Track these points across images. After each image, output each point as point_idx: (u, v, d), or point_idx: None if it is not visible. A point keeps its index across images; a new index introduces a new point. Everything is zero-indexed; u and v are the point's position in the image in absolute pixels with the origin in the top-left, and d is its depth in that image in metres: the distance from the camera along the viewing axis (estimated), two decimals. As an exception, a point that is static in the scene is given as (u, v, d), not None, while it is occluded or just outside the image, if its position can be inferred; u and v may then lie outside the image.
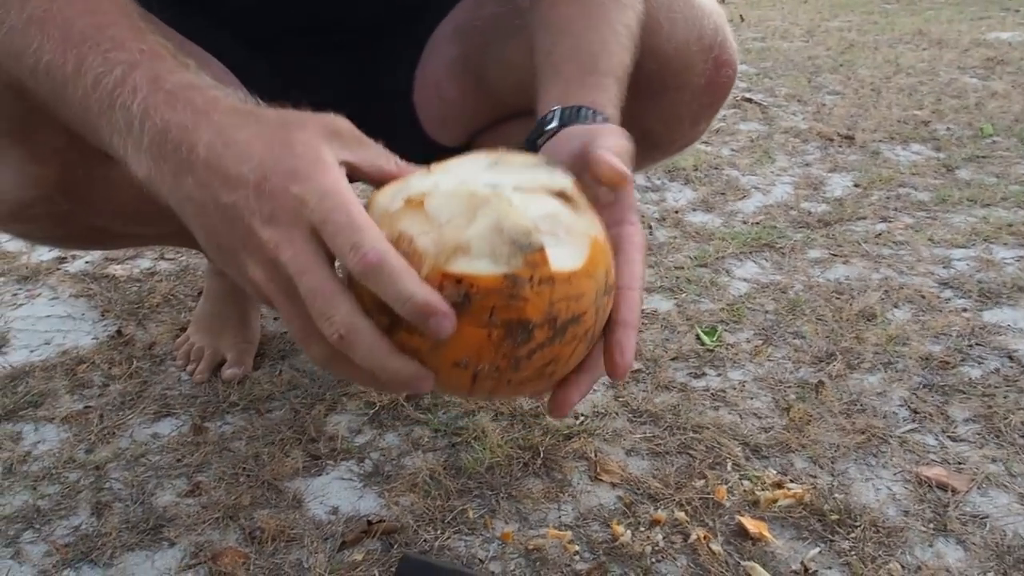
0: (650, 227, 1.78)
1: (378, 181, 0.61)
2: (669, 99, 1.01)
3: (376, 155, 0.61)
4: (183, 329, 1.44)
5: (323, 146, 0.57)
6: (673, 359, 1.32)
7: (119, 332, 1.45)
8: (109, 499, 1.08)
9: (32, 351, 1.43)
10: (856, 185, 2.01)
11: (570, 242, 0.57)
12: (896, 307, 1.45)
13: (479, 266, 0.54)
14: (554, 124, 0.73)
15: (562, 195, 0.60)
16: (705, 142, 2.31)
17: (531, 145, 0.74)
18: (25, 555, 1.01)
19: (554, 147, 0.71)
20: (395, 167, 0.61)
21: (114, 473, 1.12)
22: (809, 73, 3.10)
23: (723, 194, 1.96)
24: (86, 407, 1.26)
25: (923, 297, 1.47)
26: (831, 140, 2.32)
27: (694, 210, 1.88)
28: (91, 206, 0.99)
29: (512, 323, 0.55)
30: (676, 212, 1.85)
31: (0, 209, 0.96)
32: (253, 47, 1.09)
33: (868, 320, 1.40)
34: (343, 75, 1.14)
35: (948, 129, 2.44)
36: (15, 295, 1.62)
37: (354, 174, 0.59)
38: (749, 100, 2.69)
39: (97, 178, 0.95)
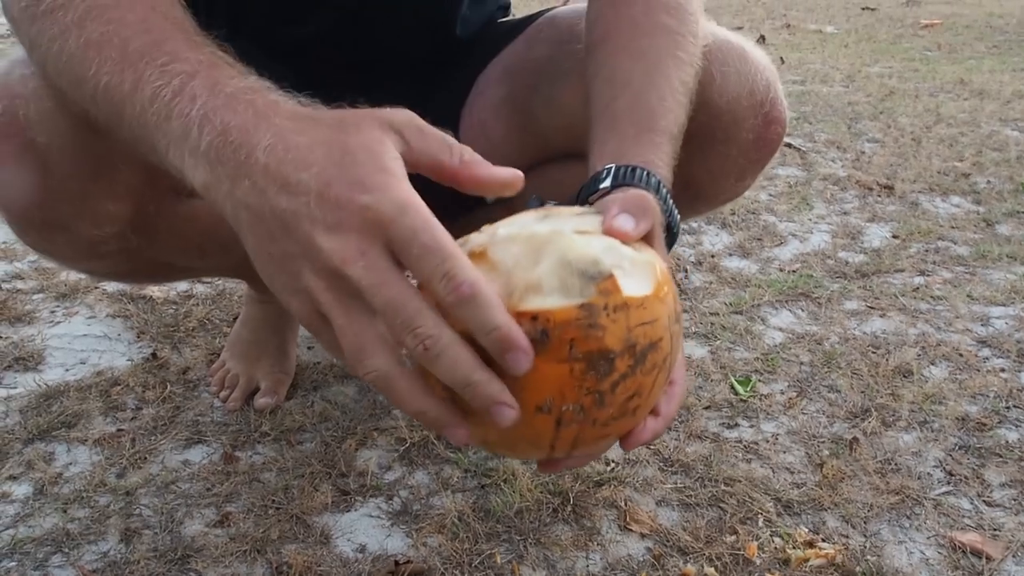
0: (686, 271, 1.77)
1: (436, 176, 0.60)
2: (717, 152, 1.00)
3: (438, 148, 0.59)
4: (217, 354, 1.44)
5: (384, 149, 0.57)
6: (706, 408, 1.30)
7: (154, 355, 1.46)
8: (138, 526, 1.08)
9: (67, 370, 1.44)
10: (894, 236, 1.99)
11: (635, 271, 0.58)
12: (933, 364, 1.43)
13: (552, 301, 0.55)
14: (607, 184, 0.72)
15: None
16: (742, 186, 2.30)
17: (582, 201, 0.74)
18: (53, 579, 1.01)
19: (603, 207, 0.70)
20: (457, 162, 0.59)
21: (144, 499, 1.12)
22: (849, 119, 3.08)
23: (760, 240, 1.95)
24: (119, 430, 1.27)
25: (960, 355, 1.45)
26: (870, 189, 2.31)
27: (730, 255, 1.87)
28: (160, 242, 1.00)
29: (593, 354, 0.55)
30: (712, 256, 1.84)
31: (75, 247, 0.97)
32: (305, 82, 1.10)
33: (904, 376, 1.38)
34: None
35: (989, 182, 2.42)
36: (53, 312, 1.63)
37: (413, 167, 0.58)
38: (788, 145, 2.68)
39: (168, 214, 0.96)
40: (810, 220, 2.08)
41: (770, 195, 2.26)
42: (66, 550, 1.05)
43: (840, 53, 4.66)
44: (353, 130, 0.57)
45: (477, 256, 0.57)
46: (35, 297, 1.68)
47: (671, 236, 0.75)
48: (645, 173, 0.73)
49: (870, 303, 1.64)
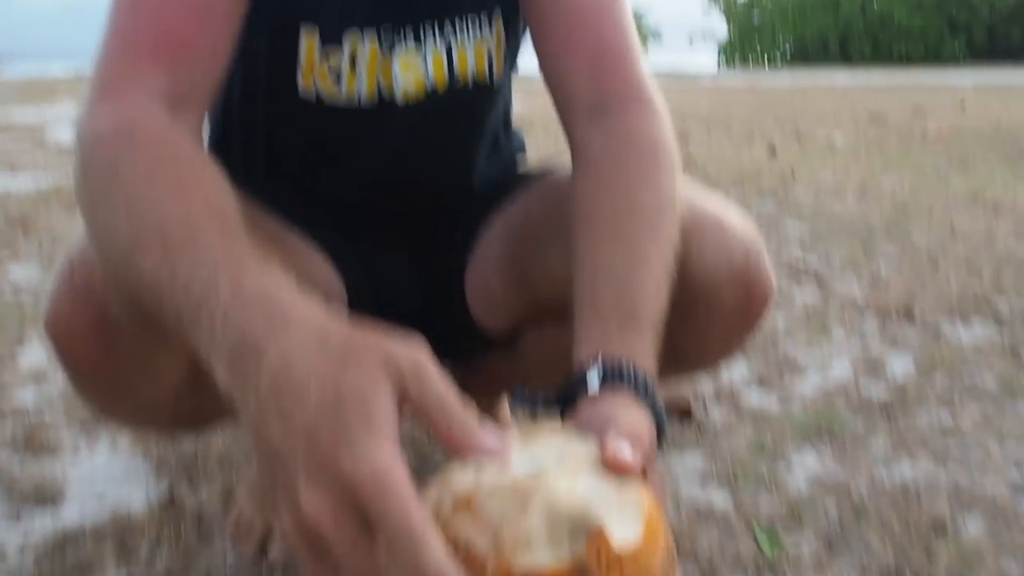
0: (704, 405, 1.73)
1: (430, 430, 0.59)
2: (699, 323, 1.00)
3: (434, 406, 0.57)
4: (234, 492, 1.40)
5: (376, 399, 0.55)
6: (731, 567, 1.24)
7: (171, 497, 1.42)
8: None
9: (84, 509, 1.40)
10: (917, 368, 1.94)
11: (623, 516, 0.56)
12: (968, 514, 1.37)
13: (543, 557, 0.53)
14: (595, 385, 0.72)
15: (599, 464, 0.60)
16: (761, 310, 2.27)
17: (569, 402, 0.74)
18: None
19: (587, 419, 0.70)
20: (446, 430, 0.58)
21: (153, 664, 1.07)
22: (863, 239, 3.06)
23: (779, 370, 1.91)
24: (131, 579, 1.22)
25: (996, 506, 1.39)
26: (889, 315, 2.27)
27: (749, 386, 1.83)
28: (209, 399, 1.01)
29: None
30: (731, 390, 1.80)
31: (133, 405, 1.01)
32: (333, 223, 1.17)
33: (938, 532, 1.32)
34: (411, 263, 1.23)
35: (1009, 305, 2.37)
36: (76, 442, 1.61)
37: (407, 412, 0.58)
38: (803, 271, 2.65)
39: None
40: (829, 349, 2.04)
41: (787, 321, 2.22)
42: None
43: (851, 165, 4.67)
44: (353, 366, 0.56)
45: (462, 505, 0.55)
46: (61, 430, 1.66)
47: (659, 433, 0.74)
48: (632, 371, 0.73)
49: (896, 444, 1.59)
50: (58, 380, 1.85)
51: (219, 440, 1.60)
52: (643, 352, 0.76)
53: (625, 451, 0.61)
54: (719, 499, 1.41)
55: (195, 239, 0.66)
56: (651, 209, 0.86)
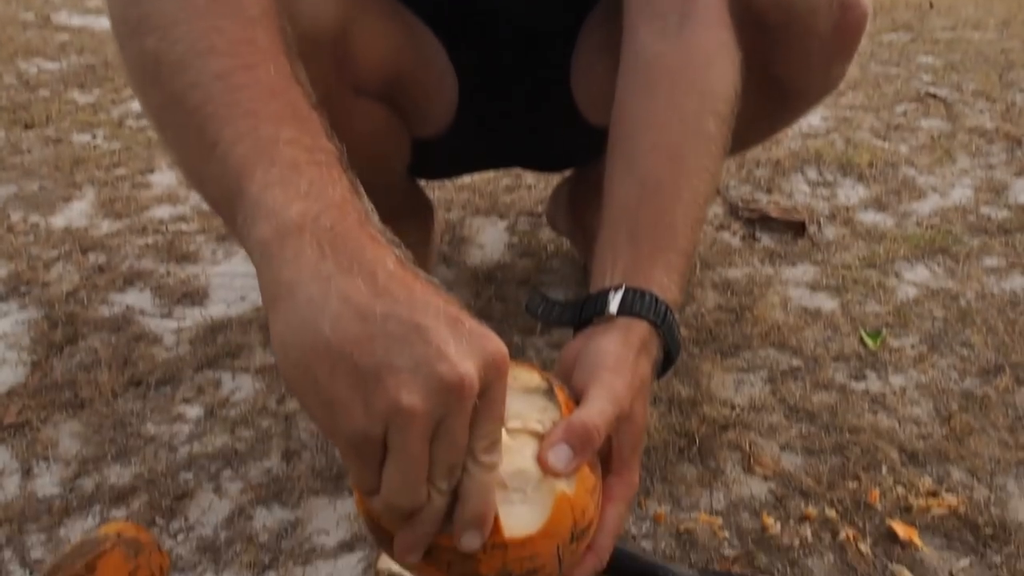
0: (819, 223, 1.79)
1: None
2: (796, 47, 0.99)
3: (485, 421, 0.58)
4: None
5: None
6: (834, 359, 1.34)
7: (307, 293, 1.57)
8: (297, 447, 1.19)
9: (229, 305, 1.56)
10: (1042, 191, 1.94)
11: (535, 500, 0.61)
12: (1074, 323, 1.42)
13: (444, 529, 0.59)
14: (614, 309, 0.74)
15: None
16: (882, 137, 2.27)
17: (585, 319, 0.76)
18: (224, 491, 1.13)
19: (586, 351, 0.73)
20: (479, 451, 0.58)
21: (301, 423, 1.24)
22: (1001, 68, 2.97)
23: (897, 193, 1.94)
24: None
25: (1104, 315, 1.43)
26: (1018, 141, 2.24)
27: (866, 208, 1.87)
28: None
29: (467, 575, 0.60)
30: (847, 210, 1.85)
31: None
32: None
33: (1042, 335, 1.38)
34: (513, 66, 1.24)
35: None
36: (214, 252, 1.77)
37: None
38: (933, 96, 2.61)
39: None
40: (952, 174, 2.05)
41: (911, 147, 2.23)
42: (234, 466, 1.17)
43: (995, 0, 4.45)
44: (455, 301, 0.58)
45: None
46: (198, 238, 1.82)
47: (669, 363, 0.78)
48: (655, 301, 0.74)
49: (1011, 260, 1.63)
50: (191, 199, 2.01)
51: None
52: (671, 283, 0.77)
53: (560, 460, 0.63)
54: (827, 304, 1.49)
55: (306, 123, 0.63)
56: (712, 138, 0.85)
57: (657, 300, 0.75)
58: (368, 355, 0.52)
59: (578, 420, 0.65)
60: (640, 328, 0.74)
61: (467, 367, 0.53)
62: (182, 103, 0.63)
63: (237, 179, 0.59)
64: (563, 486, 0.61)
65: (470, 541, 0.58)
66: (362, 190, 0.62)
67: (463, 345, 0.54)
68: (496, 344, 0.55)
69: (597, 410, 0.66)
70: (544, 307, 0.82)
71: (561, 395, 0.67)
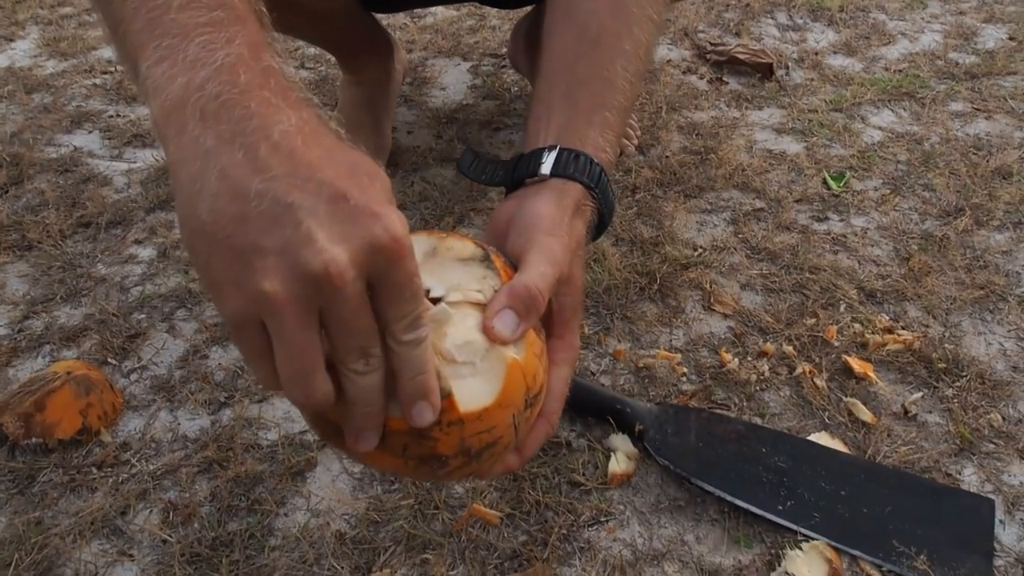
0: (787, 67, 1.75)
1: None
2: None
3: (399, 285, 0.53)
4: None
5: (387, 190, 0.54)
6: (797, 201, 1.32)
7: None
8: (253, 287, 1.17)
9: (181, 147, 1.51)
10: (1011, 38, 1.91)
11: (486, 370, 0.58)
12: (1036, 167, 1.41)
13: (391, 409, 0.55)
14: (546, 170, 0.71)
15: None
16: (854, -18, 2.21)
17: (518, 179, 0.73)
18: (178, 331, 1.11)
19: (520, 214, 0.69)
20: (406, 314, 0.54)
21: (257, 264, 1.21)
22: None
23: (867, 38, 1.89)
24: (231, 202, 1.35)
25: (1066, 158, 1.42)
26: (991, -12, 2.19)
27: (835, 53, 1.83)
28: None
29: (425, 456, 0.57)
30: (816, 54, 1.80)
31: None
32: None
33: (1004, 178, 1.37)
34: None
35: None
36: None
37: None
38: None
39: None
40: (922, 19, 2.00)
41: (883, -8, 2.17)
42: (189, 306, 1.15)
43: None
44: (367, 166, 0.53)
45: None
46: (147, 78, 1.75)
47: (602, 226, 0.75)
48: (589, 163, 0.71)
49: (977, 105, 1.61)
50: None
51: (303, 90, 1.68)
52: (606, 142, 0.74)
53: (507, 326, 0.60)
54: (792, 147, 1.47)
55: None
56: None
57: (592, 162, 0.72)
58: (240, 237, 0.48)
59: (520, 284, 0.62)
60: (574, 190, 0.71)
61: (334, 254, 0.48)
62: None
63: (135, 60, 0.53)
64: (512, 353, 0.59)
65: (420, 415, 0.55)
66: (274, 40, 0.56)
67: (338, 228, 0.49)
68: (385, 225, 0.50)
69: (538, 273, 0.64)
70: (476, 165, 0.78)
71: (498, 261, 0.63)
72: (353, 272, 0.49)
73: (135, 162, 1.47)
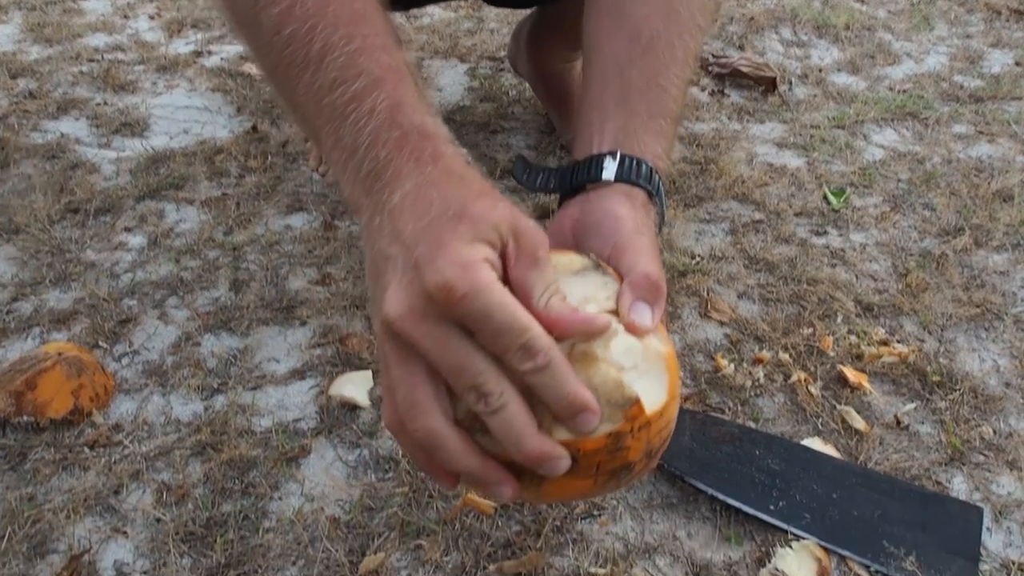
0: (790, 82, 1.82)
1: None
2: None
3: (534, 283, 0.58)
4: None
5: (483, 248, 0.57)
6: (796, 214, 1.39)
7: (254, 128, 1.58)
8: (246, 277, 1.22)
9: (172, 138, 1.57)
10: (1017, 63, 1.99)
11: (650, 371, 0.61)
12: (1037, 190, 1.49)
13: (569, 431, 0.59)
14: (610, 176, 0.73)
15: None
16: (861, 0, 2.30)
17: (578, 184, 0.75)
18: (170, 317, 1.16)
19: (594, 218, 0.72)
20: (542, 306, 0.58)
21: (250, 256, 1.27)
22: (988, -63, 3.00)
23: (872, 57, 1.97)
24: (223, 193, 1.40)
25: (1067, 183, 1.50)
26: (998, 13, 2.28)
27: (839, 70, 1.91)
28: None
29: (616, 469, 0.61)
30: (820, 71, 1.88)
31: None
32: None
33: (1004, 200, 1.44)
34: None
35: None
36: (155, 84, 1.76)
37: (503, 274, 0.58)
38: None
39: None
40: (929, 41, 2.09)
41: (889, 12, 2.26)
42: (181, 294, 1.20)
43: None
44: (458, 207, 0.58)
45: None
46: (136, 68, 1.81)
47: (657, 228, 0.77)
48: (651, 171, 0.74)
49: (980, 128, 1.68)
50: (128, 28, 1.99)
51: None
52: (662, 151, 0.76)
53: (646, 317, 0.62)
54: (793, 161, 1.54)
55: (358, 26, 0.64)
56: None
57: (652, 170, 0.74)
58: (371, 279, 0.60)
59: (639, 275, 0.64)
60: (640, 196, 0.73)
61: (389, 306, 0.55)
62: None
63: (317, 141, 0.66)
64: (659, 346, 0.62)
65: (584, 423, 0.57)
66: (413, 81, 0.65)
67: (406, 278, 0.55)
68: (433, 271, 0.54)
69: (648, 263, 0.66)
70: (529, 174, 0.81)
71: (607, 267, 0.67)
72: (411, 320, 0.55)
73: (124, 151, 1.52)
